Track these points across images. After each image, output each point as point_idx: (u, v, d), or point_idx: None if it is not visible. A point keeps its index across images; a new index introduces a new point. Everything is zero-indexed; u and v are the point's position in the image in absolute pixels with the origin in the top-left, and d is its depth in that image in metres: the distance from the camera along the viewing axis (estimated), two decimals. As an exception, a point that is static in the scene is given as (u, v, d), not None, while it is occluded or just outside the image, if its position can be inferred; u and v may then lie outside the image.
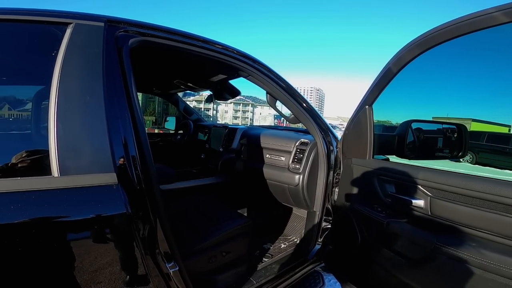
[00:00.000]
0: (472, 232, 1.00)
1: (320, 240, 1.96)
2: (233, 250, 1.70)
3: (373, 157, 1.40)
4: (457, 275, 1.02)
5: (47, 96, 0.80)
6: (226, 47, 1.41)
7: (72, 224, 0.76)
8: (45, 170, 0.75)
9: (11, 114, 0.88)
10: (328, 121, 1.95)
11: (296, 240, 2.24)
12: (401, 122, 1.43)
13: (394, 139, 1.38)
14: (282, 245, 2.19)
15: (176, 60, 1.82)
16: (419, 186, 1.14)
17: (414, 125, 1.38)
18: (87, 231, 0.78)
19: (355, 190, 1.53)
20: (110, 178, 0.80)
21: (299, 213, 2.46)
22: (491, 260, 0.92)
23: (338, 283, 1.90)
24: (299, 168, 1.89)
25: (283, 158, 2.06)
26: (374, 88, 1.28)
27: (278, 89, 1.67)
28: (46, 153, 0.74)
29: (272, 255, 2.03)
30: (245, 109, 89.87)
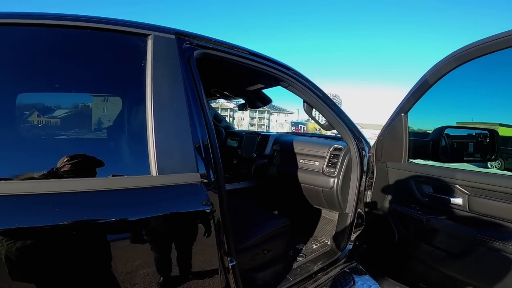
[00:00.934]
0: (510, 225, 1.09)
1: (351, 240, 2.05)
2: (273, 249, 1.81)
3: (408, 161, 1.50)
4: (497, 264, 1.11)
5: (143, 103, 0.92)
6: (274, 61, 1.54)
7: (167, 218, 0.89)
8: (146, 170, 0.87)
9: (114, 120, 1.01)
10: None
11: (327, 241, 2.32)
12: (422, 127, 1.52)
13: (428, 144, 1.48)
14: (314, 246, 2.27)
15: (222, 71, 1.95)
16: (457, 186, 1.23)
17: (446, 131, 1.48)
18: (178, 224, 0.91)
19: (391, 191, 1.62)
20: (195, 177, 0.92)
21: (328, 216, 2.53)
22: None
23: (368, 282, 1.98)
24: (333, 172, 1.99)
25: (317, 163, 2.16)
26: (410, 97, 1.39)
27: (315, 98, 1.77)
28: (146, 155, 0.88)
29: (305, 255, 2.11)
30: (261, 116, 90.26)
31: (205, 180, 0.96)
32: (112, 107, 1.05)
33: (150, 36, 1.03)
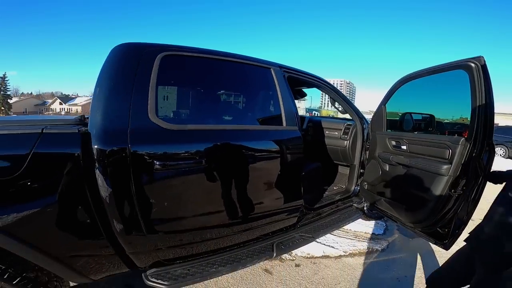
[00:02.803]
0: (424, 156, 2.34)
1: (358, 184, 3.28)
2: (314, 180, 3.13)
3: (386, 130, 2.86)
4: (420, 175, 2.29)
5: (276, 96, 2.24)
6: (318, 77, 2.87)
7: (282, 143, 2.18)
8: (281, 123, 2.22)
9: (264, 105, 2.44)
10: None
11: (342, 186, 3.58)
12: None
13: (397, 122, 2.83)
14: (335, 188, 3.60)
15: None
16: (404, 140, 2.51)
17: (408, 115, 2.80)
18: (286, 147, 2.18)
19: (378, 147, 2.88)
20: (296, 128, 2.25)
21: (342, 172, 3.89)
22: (429, 164, 2.24)
23: (372, 223, 3.26)
24: (346, 137, 3.37)
25: (336, 133, 3.55)
26: (387, 97, 2.74)
27: (337, 96, 3.11)
28: (280, 117, 2.21)
29: (330, 191, 3.41)
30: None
31: (299, 129, 2.29)
32: (268, 102, 2.46)
33: (271, 69, 2.33)
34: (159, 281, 1.78)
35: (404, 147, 2.53)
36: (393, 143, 2.68)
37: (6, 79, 63.81)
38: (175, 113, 2.09)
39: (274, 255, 2.26)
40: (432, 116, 2.78)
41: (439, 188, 2.10)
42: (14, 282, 1.52)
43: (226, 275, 2.61)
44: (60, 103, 68.54)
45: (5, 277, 1.49)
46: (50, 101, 75.30)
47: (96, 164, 1.48)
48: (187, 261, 1.97)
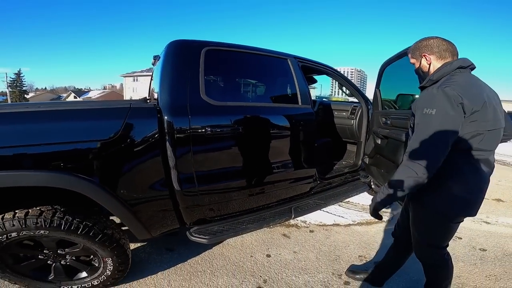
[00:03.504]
0: (398, 128, 2.73)
1: (363, 158, 3.52)
2: (326, 153, 3.71)
3: (381, 109, 3.36)
4: (393, 144, 2.59)
5: (292, 81, 2.78)
6: (328, 66, 3.40)
7: (297, 117, 2.71)
8: (297, 102, 2.73)
9: (283, 88, 3.01)
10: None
11: (350, 161, 4.00)
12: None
13: (391, 101, 3.33)
14: (344, 162, 4.08)
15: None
16: (389, 116, 2.93)
17: (401, 96, 3.25)
18: (301, 121, 2.77)
19: (375, 123, 3.32)
20: (309, 106, 2.81)
21: (350, 149, 4.43)
22: (399, 134, 2.44)
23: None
24: (353, 117, 3.94)
25: (344, 113, 4.12)
26: (377, 80, 3.21)
27: (345, 82, 3.63)
28: (296, 97, 2.77)
29: (339, 164, 3.90)
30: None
31: (311, 107, 2.84)
32: (286, 85, 2.99)
33: (288, 60, 2.74)
34: (201, 236, 2.19)
35: (388, 122, 2.89)
36: (383, 119, 3.03)
37: (21, 75, 65.37)
38: (218, 93, 2.66)
39: (293, 216, 2.67)
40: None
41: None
42: (96, 239, 1.83)
43: (250, 238, 3.08)
44: (75, 97, 69.70)
45: (90, 234, 1.80)
46: (64, 95, 76.57)
47: (166, 131, 1.93)
48: (223, 219, 2.40)
